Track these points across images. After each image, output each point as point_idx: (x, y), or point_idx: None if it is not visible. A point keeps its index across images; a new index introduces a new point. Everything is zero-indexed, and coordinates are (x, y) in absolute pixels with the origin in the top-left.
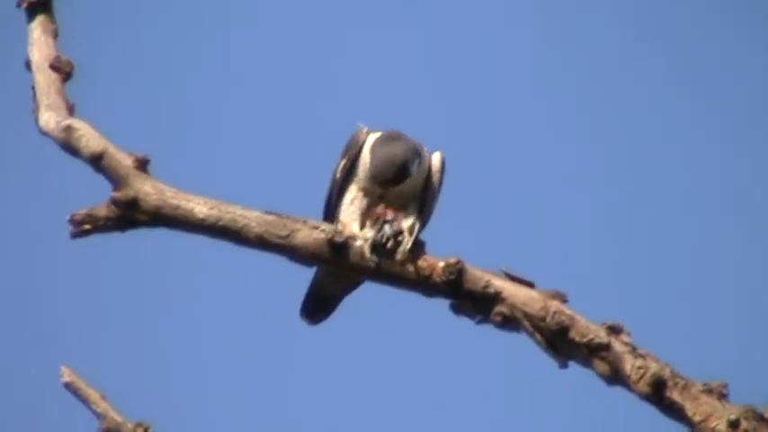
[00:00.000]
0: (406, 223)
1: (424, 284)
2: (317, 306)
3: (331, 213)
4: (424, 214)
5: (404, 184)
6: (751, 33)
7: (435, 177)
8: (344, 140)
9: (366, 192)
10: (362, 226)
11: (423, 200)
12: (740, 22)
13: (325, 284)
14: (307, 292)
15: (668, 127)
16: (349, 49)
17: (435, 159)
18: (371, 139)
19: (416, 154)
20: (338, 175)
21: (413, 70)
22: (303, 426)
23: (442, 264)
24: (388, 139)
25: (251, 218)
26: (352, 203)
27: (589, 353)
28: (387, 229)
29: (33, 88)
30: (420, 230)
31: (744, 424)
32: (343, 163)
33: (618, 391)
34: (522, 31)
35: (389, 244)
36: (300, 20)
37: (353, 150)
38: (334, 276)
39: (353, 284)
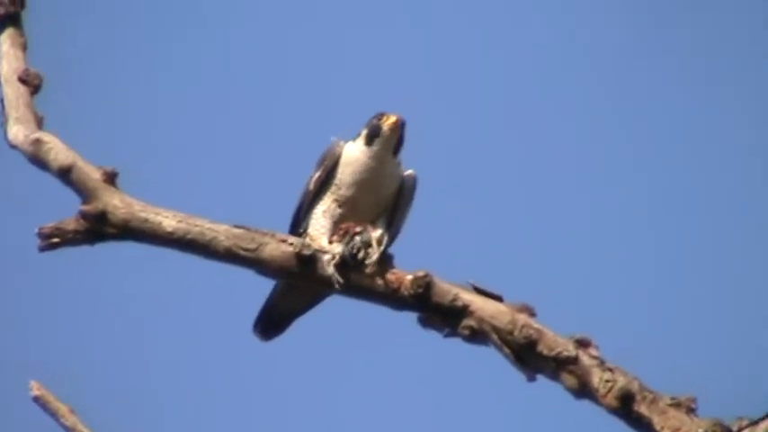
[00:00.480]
0: (375, 234)
1: (393, 298)
2: (271, 322)
3: (299, 224)
4: (392, 228)
5: (382, 183)
6: (751, 34)
7: (407, 194)
8: (315, 153)
9: (341, 204)
10: (331, 241)
11: (392, 214)
12: (740, 21)
13: (281, 301)
14: (262, 307)
15: (635, 142)
16: (322, 57)
17: (409, 176)
18: (348, 147)
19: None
20: (311, 187)
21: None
22: None
23: (410, 277)
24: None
25: (219, 231)
26: (323, 215)
27: (557, 366)
28: (357, 239)
29: (1, 101)
30: (389, 244)
31: None
32: (318, 174)
33: (586, 404)
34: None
35: (360, 254)
36: (269, 31)
37: (330, 162)
38: (291, 293)
39: (310, 303)
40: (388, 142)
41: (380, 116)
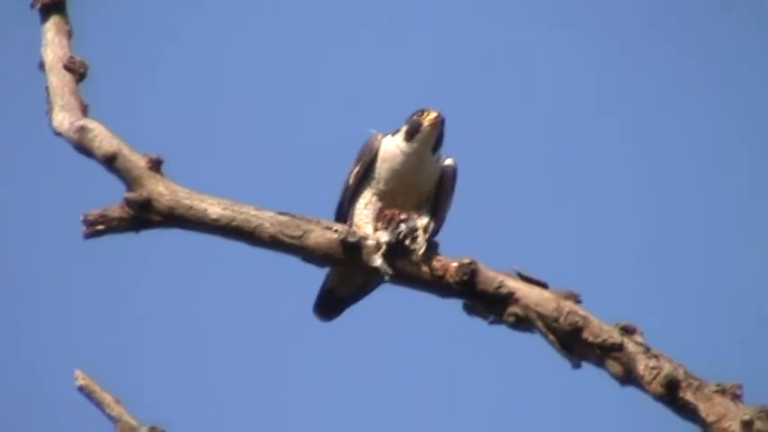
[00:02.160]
0: (421, 221)
1: (438, 285)
2: (329, 304)
3: (343, 218)
4: (437, 217)
5: (420, 179)
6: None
7: (447, 184)
8: (356, 141)
9: (382, 197)
10: (375, 229)
11: (436, 203)
12: (740, 22)
13: (335, 285)
14: (320, 289)
15: (682, 123)
16: (362, 51)
17: (448, 166)
18: (387, 141)
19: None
20: (351, 182)
21: (430, 69)
22: (322, 426)
23: (455, 264)
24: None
25: (264, 218)
26: (366, 207)
27: (602, 353)
28: (402, 227)
29: (47, 89)
30: (434, 233)
31: (757, 424)
32: (356, 170)
33: (631, 391)
34: (535, 28)
35: (407, 241)
36: (318, 21)
37: (367, 157)
38: (343, 277)
39: (361, 288)
40: (427, 139)
41: (420, 112)
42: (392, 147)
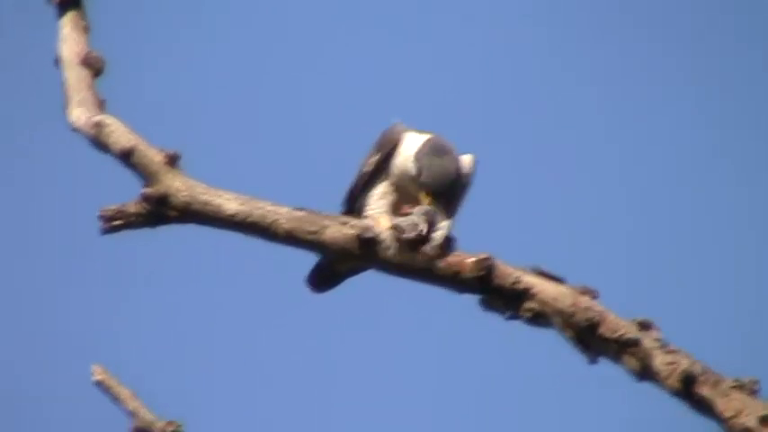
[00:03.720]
0: (438, 217)
1: (454, 280)
2: (325, 277)
3: (352, 205)
4: (451, 210)
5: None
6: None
7: (465, 178)
8: (369, 137)
9: (398, 189)
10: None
11: (451, 196)
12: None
13: (332, 261)
14: (317, 261)
15: (696, 120)
16: (376, 49)
17: (467, 161)
18: (410, 138)
19: (460, 166)
20: (367, 169)
21: (446, 66)
22: (339, 423)
23: (472, 260)
24: (439, 150)
25: (281, 213)
26: (381, 198)
27: (619, 349)
28: (421, 220)
29: (63, 84)
30: (450, 226)
31: None
32: (376, 158)
33: (647, 387)
34: (544, 23)
35: (424, 232)
36: (334, 17)
37: (388, 147)
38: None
39: (362, 267)
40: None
41: None
42: (418, 144)
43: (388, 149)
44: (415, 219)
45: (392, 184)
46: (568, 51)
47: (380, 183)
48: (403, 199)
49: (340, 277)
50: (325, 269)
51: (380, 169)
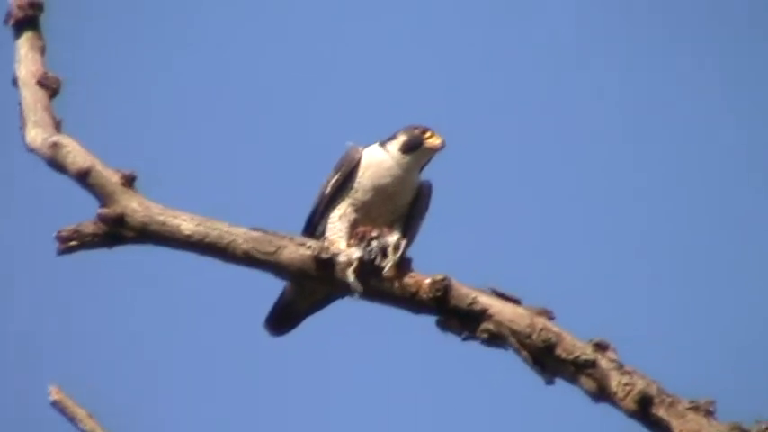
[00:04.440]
0: (392, 238)
1: (411, 301)
2: (282, 319)
3: (313, 228)
4: (408, 234)
5: (400, 191)
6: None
7: (423, 202)
8: (330, 157)
9: (357, 206)
10: (348, 246)
11: (408, 220)
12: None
13: (293, 299)
14: (274, 304)
15: (661, 142)
16: (335, 61)
17: (425, 185)
18: (372, 152)
19: None
20: (328, 190)
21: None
22: None
23: (428, 280)
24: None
25: (237, 234)
26: (340, 219)
27: (576, 370)
28: (374, 244)
29: (20, 104)
30: (406, 248)
31: None
32: (335, 178)
33: (604, 408)
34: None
35: (377, 260)
36: (287, 35)
37: (348, 167)
38: (303, 292)
39: (322, 302)
40: (422, 158)
41: (424, 131)
42: (381, 154)
43: (348, 169)
44: (371, 243)
45: (352, 203)
46: (510, 72)
47: (340, 203)
48: (362, 219)
49: (299, 318)
50: (282, 310)
51: (340, 190)
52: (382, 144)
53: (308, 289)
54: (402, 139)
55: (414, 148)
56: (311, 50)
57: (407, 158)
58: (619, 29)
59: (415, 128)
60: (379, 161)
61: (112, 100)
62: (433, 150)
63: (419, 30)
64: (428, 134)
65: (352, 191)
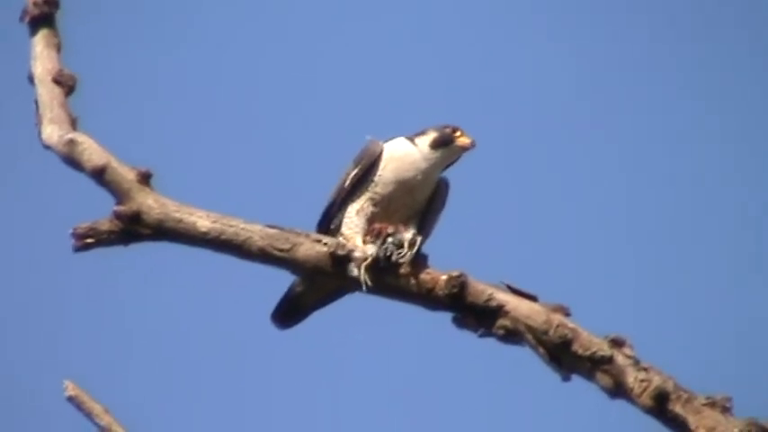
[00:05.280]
0: (408, 235)
1: (427, 298)
2: (290, 312)
3: (329, 221)
4: (424, 230)
5: (420, 186)
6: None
7: (440, 199)
8: (347, 153)
9: (376, 200)
10: (364, 241)
11: (425, 216)
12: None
13: (302, 293)
14: (282, 297)
15: (667, 139)
16: (348, 61)
17: (442, 181)
18: (397, 144)
19: None
20: (347, 184)
21: (410, 84)
22: None
23: (444, 277)
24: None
25: (253, 231)
26: (358, 215)
27: (592, 366)
28: (389, 241)
29: (36, 102)
30: (421, 244)
31: None
32: (354, 172)
33: (620, 404)
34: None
35: (393, 256)
36: (302, 37)
37: (368, 161)
38: (313, 287)
39: (330, 297)
40: (450, 155)
41: (455, 129)
42: (407, 147)
43: (368, 163)
44: (386, 240)
45: (371, 197)
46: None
47: (359, 197)
48: (380, 214)
49: (306, 311)
50: (290, 304)
51: (359, 184)
52: (410, 139)
53: (318, 283)
54: (432, 135)
55: (444, 144)
56: (333, 47)
57: (436, 154)
58: (623, 28)
59: (446, 126)
60: (403, 154)
61: (128, 97)
62: (464, 149)
63: (424, 28)
64: (459, 133)
65: (372, 184)
